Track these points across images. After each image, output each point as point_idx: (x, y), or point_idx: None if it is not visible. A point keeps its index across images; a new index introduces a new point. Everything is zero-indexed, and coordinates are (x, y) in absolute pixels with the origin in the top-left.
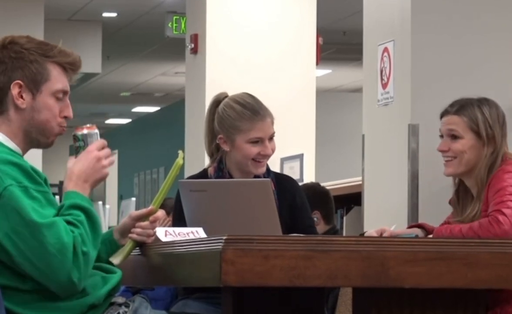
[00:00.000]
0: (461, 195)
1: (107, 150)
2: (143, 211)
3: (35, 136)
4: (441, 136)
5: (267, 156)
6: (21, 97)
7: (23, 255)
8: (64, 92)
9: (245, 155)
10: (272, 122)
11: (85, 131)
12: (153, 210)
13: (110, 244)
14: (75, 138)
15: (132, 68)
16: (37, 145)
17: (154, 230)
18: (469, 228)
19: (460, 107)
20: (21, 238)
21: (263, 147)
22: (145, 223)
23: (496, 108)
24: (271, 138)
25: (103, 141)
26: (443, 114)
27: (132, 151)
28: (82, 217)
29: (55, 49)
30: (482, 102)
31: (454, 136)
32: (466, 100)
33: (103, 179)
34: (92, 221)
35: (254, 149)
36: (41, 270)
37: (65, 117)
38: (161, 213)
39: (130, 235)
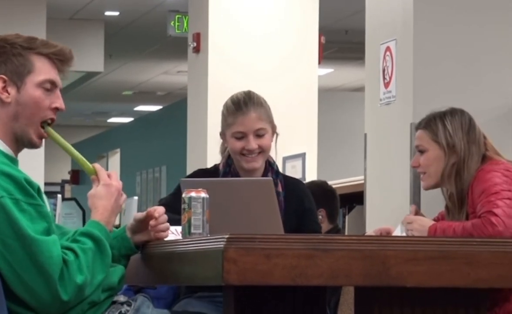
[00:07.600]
0: (452, 203)
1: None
2: (143, 214)
3: (20, 134)
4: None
5: (251, 151)
6: (6, 91)
7: (10, 267)
8: (52, 83)
9: (232, 150)
10: (260, 118)
11: (193, 194)
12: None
13: (123, 240)
14: (183, 200)
15: (134, 67)
16: (23, 144)
17: (164, 223)
18: (462, 228)
19: (424, 122)
20: (10, 249)
21: (246, 142)
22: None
23: (460, 116)
24: (258, 134)
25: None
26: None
27: (134, 150)
28: (89, 244)
29: (38, 41)
30: (446, 113)
31: (421, 151)
32: (432, 114)
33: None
34: (101, 250)
35: (238, 144)
36: (26, 284)
37: (56, 108)
38: (159, 210)
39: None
